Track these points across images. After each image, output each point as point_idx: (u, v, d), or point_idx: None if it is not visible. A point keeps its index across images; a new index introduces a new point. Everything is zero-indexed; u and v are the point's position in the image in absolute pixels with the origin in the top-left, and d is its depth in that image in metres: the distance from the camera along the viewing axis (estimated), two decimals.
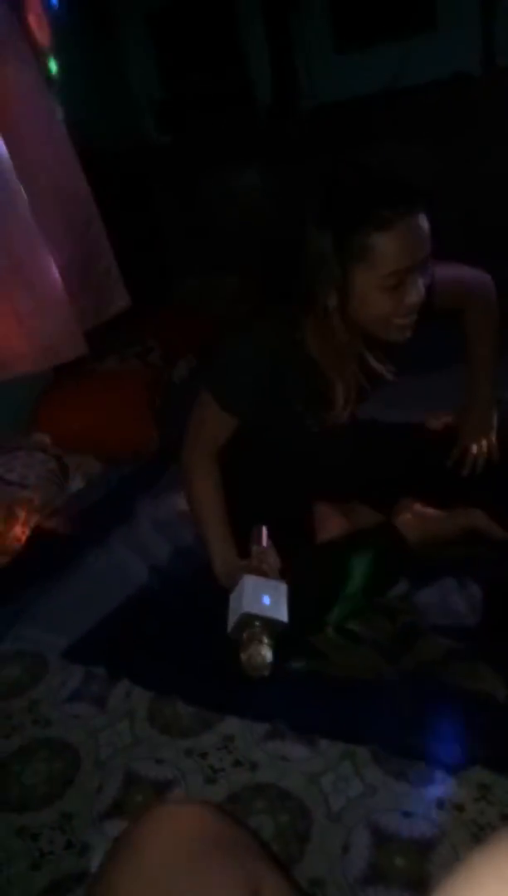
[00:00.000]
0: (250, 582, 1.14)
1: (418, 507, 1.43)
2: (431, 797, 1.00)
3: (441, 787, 1.01)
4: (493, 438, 1.48)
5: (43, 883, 1.01)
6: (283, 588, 1.15)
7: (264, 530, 1.25)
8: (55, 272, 1.81)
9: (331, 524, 1.46)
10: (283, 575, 1.20)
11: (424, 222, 1.06)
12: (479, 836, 0.94)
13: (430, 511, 1.42)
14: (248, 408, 1.28)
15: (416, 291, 1.08)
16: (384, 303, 1.08)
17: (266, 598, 1.11)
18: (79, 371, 2.49)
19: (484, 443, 1.47)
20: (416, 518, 1.39)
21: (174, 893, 0.56)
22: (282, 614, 1.11)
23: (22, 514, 1.87)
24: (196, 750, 1.17)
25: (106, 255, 2.10)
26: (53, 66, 2.35)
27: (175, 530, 1.72)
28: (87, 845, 1.06)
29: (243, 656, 1.08)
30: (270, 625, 1.10)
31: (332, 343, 1.17)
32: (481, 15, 2.57)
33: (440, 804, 0.99)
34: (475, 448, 1.47)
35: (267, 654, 1.07)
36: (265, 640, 1.08)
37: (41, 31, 2.19)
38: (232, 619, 1.12)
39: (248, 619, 1.10)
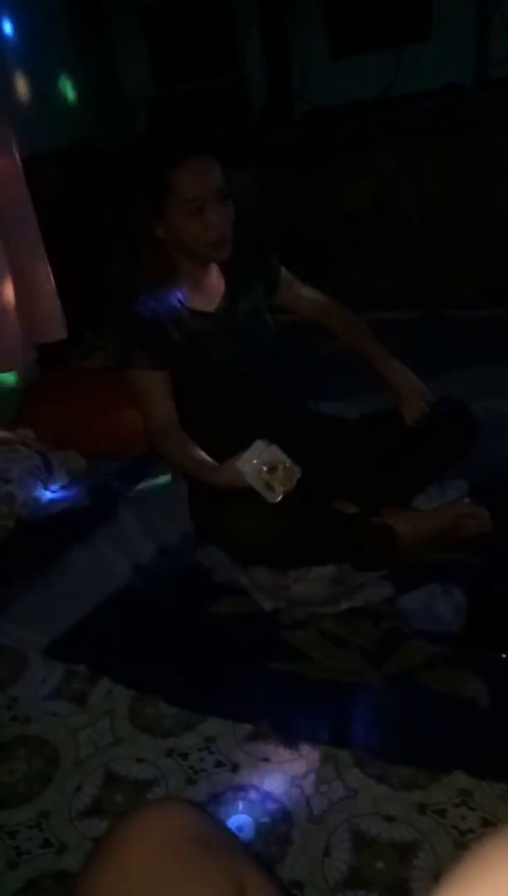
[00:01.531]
0: (260, 443, 1.25)
1: (403, 509, 1.45)
2: (412, 801, 1.01)
3: (423, 791, 1.02)
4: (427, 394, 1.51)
5: (20, 882, 1.00)
6: (258, 443, 1.25)
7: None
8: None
9: None
10: None
11: (214, 164, 1.33)
12: (460, 841, 0.94)
13: (415, 510, 1.44)
14: (152, 347, 1.39)
15: (216, 214, 1.33)
16: (194, 225, 1.33)
17: (274, 448, 1.24)
18: (64, 367, 2.47)
19: (423, 404, 1.48)
20: (406, 517, 1.41)
21: (159, 894, 0.56)
22: (288, 459, 1.24)
23: (4, 510, 1.85)
24: (177, 750, 1.16)
25: (44, 275, 2.11)
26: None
27: (159, 528, 1.71)
28: (64, 844, 1.05)
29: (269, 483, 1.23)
30: (282, 465, 1.23)
31: (175, 269, 1.43)
32: (476, 27, 2.60)
33: (422, 809, 1.00)
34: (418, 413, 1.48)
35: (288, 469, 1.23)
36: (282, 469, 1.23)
37: None
38: (250, 476, 1.22)
39: (257, 468, 1.22)
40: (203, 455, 1.36)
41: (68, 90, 2.80)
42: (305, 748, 1.12)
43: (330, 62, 2.94)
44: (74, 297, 2.28)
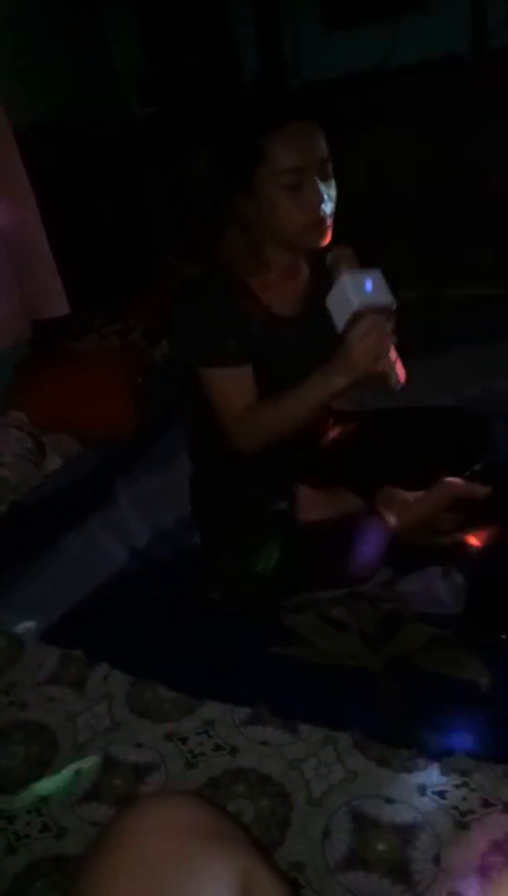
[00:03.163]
0: (348, 277, 1.06)
1: (399, 492, 1.43)
2: (412, 783, 1.01)
3: (423, 773, 1.02)
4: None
5: (19, 866, 1.00)
6: (377, 272, 1.07)
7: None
8: None
9: (313, 508, 1.45)
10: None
11: (316, 130, 1.16)
12: (461, 822, 0.94)
13: (410, 494, 1.42)
14: (244, 345, 1.24)
15: (316, 192, 1.14)
16: (289, 203, 1.15)
17: (368, 285, 1.05)
18: (57, 349, 2.44)
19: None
20: (399, 503, 1.39)
21: (164, 887, 0.55)
22: (390, 299, 1.05)
23: None
24: (176, 734, 1.16)
25: (43, 254, 2.07)
26: None
27: (155, 512, 1.70)
28: (64, 829, 1.04)
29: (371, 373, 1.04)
30: (384, 312, 1.04)
31: (261, 259, 1.24)
32: None
33: (422, 790, 0.99)
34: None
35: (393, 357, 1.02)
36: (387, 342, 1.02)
37: None
38: (342, 320, 1.06)
39: (361, 313, 1.03)
40: (277, 398, 1.21)
41: (58, 66, 2.73)
42: (304, 731, 1.12)
43: (324, 34, 2.88)
44: (65, 277, 2.25)
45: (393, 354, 1.05)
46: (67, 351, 2.42)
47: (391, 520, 1.37)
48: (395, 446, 1.47)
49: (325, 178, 1.16)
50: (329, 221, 1.17)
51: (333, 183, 1.18)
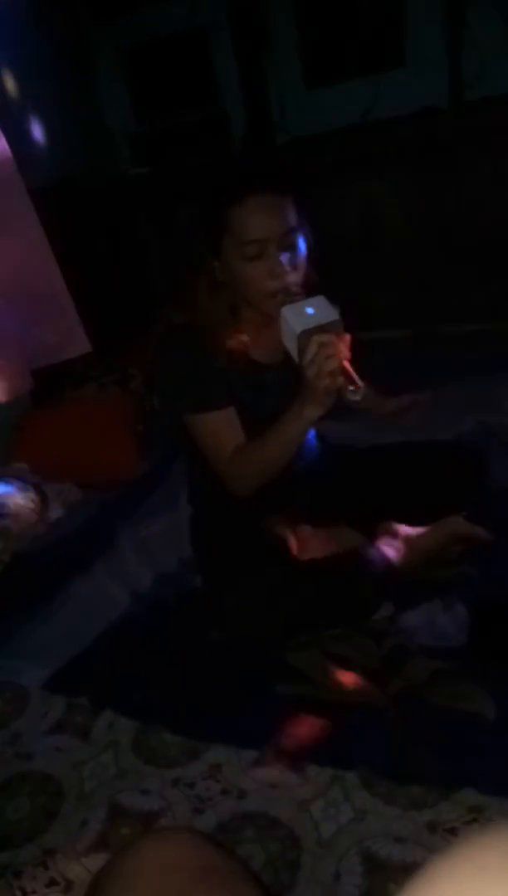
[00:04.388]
0: (288, 311, 1.09)
1: (400, 527, 1.44)
2: (421, 821, 0.99)
3: (432, 810, 1.00)
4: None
5: None
6: (320, 297, 1.10)
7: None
8: None
9: (314, 545, 1.46)
10: None
11: (281, 202, 1.18)
12: None
13: (412, 529, 1.43)
14: (225, 389, 1.28)
15: (277, 262, 1.17)
16: (253, 271, 1.19)
17: (310, 310, 1.08)
18: (57, 399, 2.48)
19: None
20: (400, 538, 1.40)
21: None
22: (333, 314, 1.07)
23: (0, 544, 1.84)
24: (183, 780, 1.14)
25: (62, 298, 2.12)
26: None
27: (157, 555, 1.71)
28: (70, 882, 1.02)
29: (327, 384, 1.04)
30: (330, 328, 1.05)
31: (236, 314, 1.29)
32: (448, 53, 2.66)
33: (432, 828, 0.98)
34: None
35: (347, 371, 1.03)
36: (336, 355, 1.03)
37: None
38: (294, 351, 1.09)
39: (306, 337, 1.05)
40: (261, 439, 1.23)
41: (53, 128, 2.86)
42: (311, 771, 1.11)
43: (307, 92, 3.01)
44: None
45: (346, 363, 1.05)
46: (67, 400, 2.47)
47: (393, 555, 1.38)
48: (393, 481, 1.48)
49: (288, 248, 1.18)
50: (294, 289, 1.18)
51: (298, 253, 1.20)
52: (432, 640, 1.27)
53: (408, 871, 0.93)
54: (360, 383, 1.02)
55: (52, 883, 1.03)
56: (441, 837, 0.96)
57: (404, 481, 1.49)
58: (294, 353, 1.10)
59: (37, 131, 2.75)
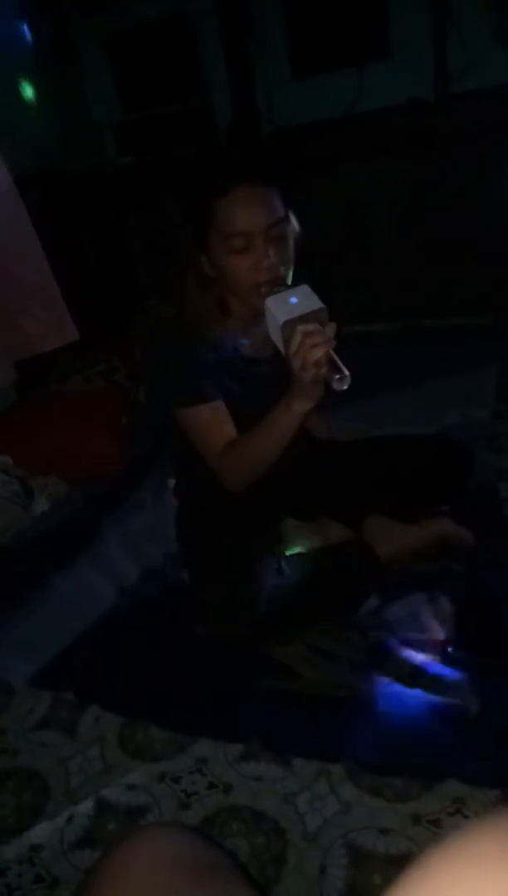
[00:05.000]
0: (272, 301, 1.09)
1: (386, 521, 1.45)
2: (406, 813, 1.00)
3: (416, 802, 1.01)
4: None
5: None
6: (304, 286, 1.09)
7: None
8: None
9: (300, 540, 1.47)
10: None
11: (266, 193, 1.17)
12: None
13: (398, 525, 1.44)
14: (214, 383, 1.27)
15: (262, 255, 1.16)
16: (239, 264, 1.18)
17: (293, 300, 1.07)
18: (42, 392, 2.46)
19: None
20: (385, 533, 1.41)
21: None
22: (317, 303, 1.06)
23: None
24: (169, 774, 1.15)
25: (48, 287, 2.10)
26: None
27: (143, 551, 1.70)
28: (57, 878, 1.02)
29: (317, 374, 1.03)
30: (314, 318, 1.05)
31: (223, 308, 1.28)
32: (434, 44, 2.66)
33: (416, 819, 0.99)
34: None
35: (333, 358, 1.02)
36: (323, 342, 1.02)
37: None
38: (279, 342, 1.08)
39: (290, 327, 1.04)
40: (251, 433, 1.22)
41: (36, 117, 2.82)
42: (297, 765, 1.11)
43: (294, 83, 3.00)
44: None
45: (331, 352, 1.04)
46: (52, 393, 2.45)
47: (379, 550, 1.39)
48: (377, 475, 1.49)
49: (273, 241, 1.17)
50: (281, 281, 1.16)
51: (285, 244, 1.19)
52: (416, 633, 1.28)
53: (393, 862, 0.94)
54: (346, 372, 1.01)
55: (38, 879, 1.03)
56: (425, 829, 0.98)
57: (389, 475, 1.49)
58: (280, 345, 1.10)
59: (20, 120, 2.71)
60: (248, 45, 2.94)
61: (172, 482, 1.62)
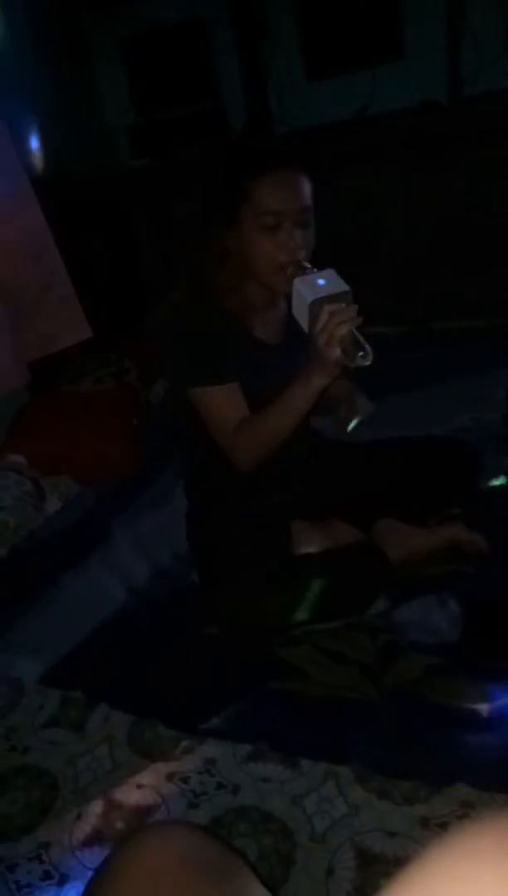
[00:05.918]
0: (300, 282, 1.14)
1: (397, 524, 1.45)
2: (414, 815, 1.00)
3: (425, 805, 1.01)
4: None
5: None
6: (330, 270, 1.15)
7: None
8: None
9: (309, 540, 1.47)
10: None
11: (301, 179, 1.22)
12: None
13: (409, 528, 1.44)
14: (233, 364, 1.29)
15: (291, 236, 1.20)
16: (266, 243, 1.21)
17: (321, 281, 1.12)
18: (54, 392, 2.48)
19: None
20: (396, 535, 1.41)
21: None
22: (343, 285, 1.11)
23: None
24: (178, 774, 1.15)
25: (63, 286, 2.11)
26: None
27: (153, 551, 1.71)
28: (65, 876, 1.03)
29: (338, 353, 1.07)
30: (340, 299, 1.09)
31: (238, 291, 1.30)
32: (447, 47, 2.66)
33: (424, 823, 0.99)
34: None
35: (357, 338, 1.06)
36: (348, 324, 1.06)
37: None
38: (305, 321, 1.13)
39: (317, 306, 1.09)
40: (267, 409, 1.25)
41: (50, 120, 2.84)
42: (305, 766, 1.11)
43: (307, 85, 3.00)
44: None
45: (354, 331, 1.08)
46: (63, 394, 2.46)
47: (389, 552, 1.39)
48: (388, 476, 1.49)
49: (303, 226, 1.21)
50: (305, 264, 1.19)
51: (311, 232, 1.23)
52: (425, 635, 1.28)
53: (401, 865, 0.93)
54: (369, 348, 1.05)
55: (46, 876, 1.03)
56: (434, 832, 0.97)
57: (399, 476, 1.49)
58: (305, 324, 1.13)
59: (34, 123, 2.73)
60: (261, 47, 2.95)
61: (182, 483, 1.63)
